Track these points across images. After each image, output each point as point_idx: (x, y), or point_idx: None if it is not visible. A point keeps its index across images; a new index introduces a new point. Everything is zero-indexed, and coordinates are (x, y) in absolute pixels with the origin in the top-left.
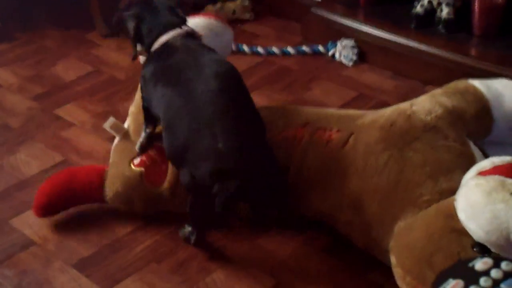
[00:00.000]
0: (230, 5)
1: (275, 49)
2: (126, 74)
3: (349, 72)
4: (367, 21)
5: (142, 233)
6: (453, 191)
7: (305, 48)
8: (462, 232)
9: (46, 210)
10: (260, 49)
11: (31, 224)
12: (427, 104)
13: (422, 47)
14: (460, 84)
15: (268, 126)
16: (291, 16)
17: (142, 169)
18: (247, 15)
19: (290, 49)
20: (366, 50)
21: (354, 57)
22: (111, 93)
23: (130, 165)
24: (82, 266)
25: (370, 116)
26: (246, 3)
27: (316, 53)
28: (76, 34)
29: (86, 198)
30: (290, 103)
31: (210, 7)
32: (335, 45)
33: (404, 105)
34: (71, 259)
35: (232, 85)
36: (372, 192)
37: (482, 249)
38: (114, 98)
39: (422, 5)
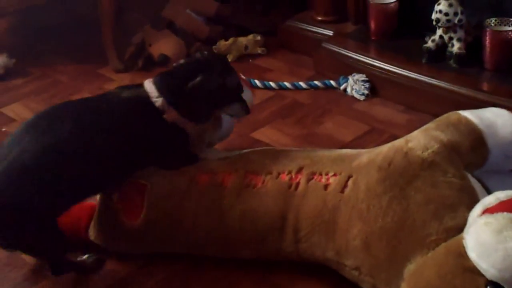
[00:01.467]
0: (242, 40)
1: (287, 84)
2: None
3: (361, 106)
4: (379, 55)
5: (154, 267)
6: (459, 228)
7: (317, 82)
8: (474, 271)
9: None
10: (272, 84)
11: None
12: (422, 139)
13: (434, 81)
14: (452, 116)
15: (260, 170)
16: (303, 50)
17: (120, 205)
18: (259, 50)
19: (302, 84)
20: (377, 84)
21: (366, 91)
22: None
23: (111, 202)
24: None
25: (366, 156)
26: (258, 38)
27: (328, 87)
28: (89, 68)
29: (74, 236)
30: (302, 137)
31: (222, 42)
32: (347, 80)
33: (400, 142)
34: None
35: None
36: (378, 235)
37: (496, 287)
38: None
39: (433, 40)
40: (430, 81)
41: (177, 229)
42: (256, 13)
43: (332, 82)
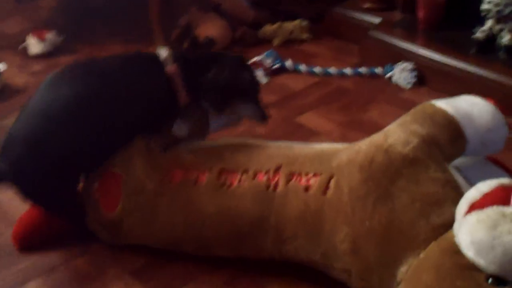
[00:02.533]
0: (288, 25)
1: (332, 70)
2: None
3: (407, 95)
4: (426, 45)
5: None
6: (446, 225)
7: (362, 69)
8: (472, 268)
9: (26, 241)
10: (317, 69)
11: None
12: (401, 134)
13: (482, 72)
14: (427, 108)
15: (236, 168)
16: (349, 37)
17: (99, 195)
18: (304, 36)
19: (347, 70)
20: (424, 74)
21: (412, 80)
22: None
23: (90, 192)
24: (137, 273)
25: (345, 154)
26: (304, 23)
27: (374, 75)
28: (135, 48)
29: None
30: (346, 124)
31: (268, 26)
32: (393, 68)
33: (378, 138)
34: (126, 266)
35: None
36: (366, 238)
37: (497, 280)
38: None
39: (483, 31)
40: (478, 72)
41: (152, 224)
42: None
43: (378, 69)
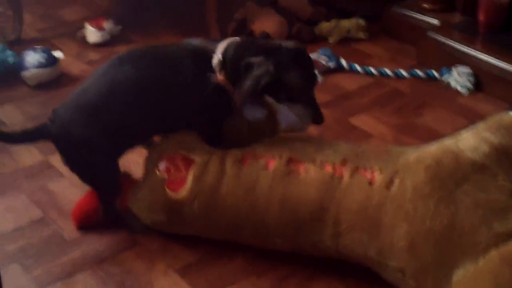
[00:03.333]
0: (345, 24)
1: (387, 71)
2: None
3: (463, 100)
4: (486, 49)
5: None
6: (509, 235)
7: (419, 72)
8: None
9: (80, 221)
10: (372, 70)
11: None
12: (472, 141)
13: None
14: (504, 118)
15: (304, 158)
16: (406, 38)
17: (165, 175)
18: (361, 35)
19: (403, 72)
20: (482, 79)
21: (470, 85)
22: None
23: (156, 171)
24: (184, 271)
25: (413, 154)
26: (361, 22)
27: (430, 78)
28: None
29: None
30: (399, 127)
31: (324, 24)
32: (450, 71)
33: (449, 142)
34: (173, 263)
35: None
36: (425, 238)
37: None
38: None
39: None
40: None
41: (216, 208)
42: None
43: (435, 72)
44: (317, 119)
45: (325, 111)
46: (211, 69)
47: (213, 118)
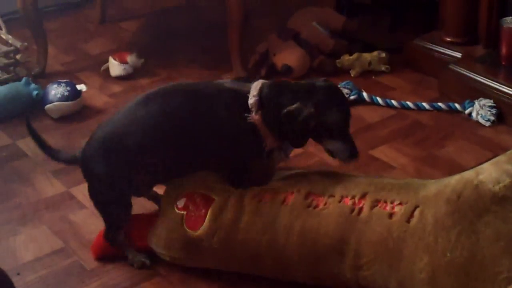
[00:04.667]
0: (367, 56)
1: (409, 103)
2: None
3: (485, 132)
4: (508, 81)
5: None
6: None
7: (440, 104)
8: None
9: (100, 253)
10: (394, 102)
11: (156, 255)
12: (493, 172)
13: None
14: None
15: (323, 192)
16: (428, 71)
17: (184, 212)
18: (383, 67)
19: (425, 104)
20: (505, 111)
21: (492, 117)
22: None
23: (174, 208)
24: None
25: (434, 186)
26: (383, 55)
27: (452, 110)
28: (213, 74)
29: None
30: (421, 159)
31: (346, 57)
32: (473, 104)
33: (469, 174)
34: None
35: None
36: (446, 270)
37: None
38: None
39: None
40: None
41: (235, 242)
42: (382, 30)
43: (457, 105)
44: (354, 154)
45: None
46: (247, 109)
47: (244, 159)
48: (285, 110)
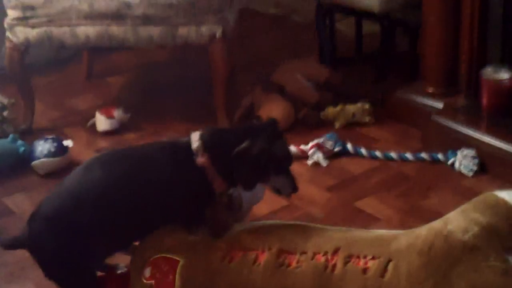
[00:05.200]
0: (350, 108)
1: (393, 154)
2: None
3: (469, 182)
4: (490, 131)
5: None
6: None
7: (424, 155)
8: None
9: None
10: (378, 153)
11: None
12: (461, 222)
13: None
14: (489, 198)
15: (294, 249)
16: (411, 122)
17: (152, 281)
18: (366, 119)
19: (408, 155)
20: (487, 161)
21: (475, 167)
22: None
23: (142, 280)
24: None
25: (404, 238)
26: (366, 106)
27: (435, 161)
28: (200, 127)
29: None
30: (406, 211)
31: (330, 108)
32: (455, 154)
33: (438, 224)
34: None
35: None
36: None
37: None
38: None
39: None
40: None
41: None
42: (366, 82)
43: (440, 155)
44: (296, 188)
45: (331, 195)
46: (190, 155)
47: (196, 206)
48: (237, 150)
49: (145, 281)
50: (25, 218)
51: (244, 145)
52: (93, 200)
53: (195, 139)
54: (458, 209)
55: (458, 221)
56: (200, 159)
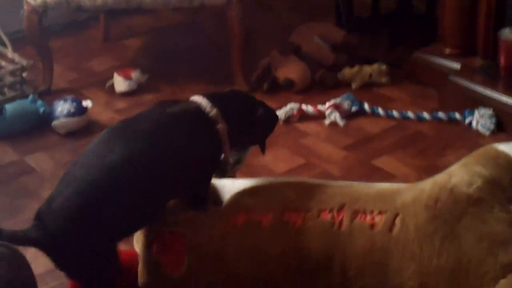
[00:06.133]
0: (367, 69)
1: (410, 114)
2: None
3: (486, 141)
4: (507, 91)
5: None
6: None
7: (441, 114)
8: None
9: None
10: (395, 113)
11: None
12: (465, 175)
13: None
14: (490, 151)
15: (299, 208)
16: (428, 82)
17: (161, 258)
18: (383, 79)
19: (425, 115)
20: (504, 120)
21: (492, 126)
22: None
23: (150, 256)
24: None
25: (409, 193)
26: (383, 67)
27: (452, 120)
28: (217, 89)
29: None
30: (422, 169)
31: (347, 69)
32: (472, 113)
33: (442, 178)
34: None
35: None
36: (435, 276)
37: None
38: None
39: None
40: None
41: (220, 273)
42: (382, 45)
43: (457, 115)
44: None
45: (348, 154)
46: (211, 123)
47: (211, 172)
48: (260, 113)
49: (153, 257)
50: (45, 176)
51: (263, 109)
52: (121, 186)
53: (206, 105)
54: (460, 163)
55: (461, 174)
56: (221, 126)
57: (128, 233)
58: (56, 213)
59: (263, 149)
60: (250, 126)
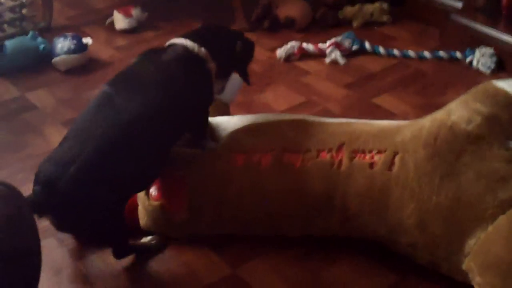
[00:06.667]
0: (369, 7)
1: (411, 53)
2: (262, 67)
3: (486, 80)
4: (508, 30)
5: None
6: None
7: (441, 53)
8: None
9: None
10: (396, 52)
11: None
12: (464, 112)
13: None
14: (488, 88)
15: (298, 148)
16: (429, 21)
17: (160, 202)
18: (384, 18)
19: (426, 53)
20: (505, 59)
21: (493, 65)
22: None
23: (149, 199)
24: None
25: (408, 130)
26: (385, 6)
27: (453, 59)
28: None
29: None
30: (422, 107)
31: (348, 8)
32: (473, 52)
33: (441, 115)
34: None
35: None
36: (434, 213)
37: None
38: None
39: None
40: None
41: (222, 212)
42: None
43: (458, 53)
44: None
45: (348, 92)
46: (203, 63)
47: (207, 108)
48: (239, 44)
49: (153, 201)
50: (47, 112)
51: (240, 42)
52: (137, 142)
53: (192, 46)
54: (459, 100)
55: (460, 111)
56: (212, 65)
57: (142, 187)
58: (63, 181)
59: (246, 79)
60: (232, 58)
